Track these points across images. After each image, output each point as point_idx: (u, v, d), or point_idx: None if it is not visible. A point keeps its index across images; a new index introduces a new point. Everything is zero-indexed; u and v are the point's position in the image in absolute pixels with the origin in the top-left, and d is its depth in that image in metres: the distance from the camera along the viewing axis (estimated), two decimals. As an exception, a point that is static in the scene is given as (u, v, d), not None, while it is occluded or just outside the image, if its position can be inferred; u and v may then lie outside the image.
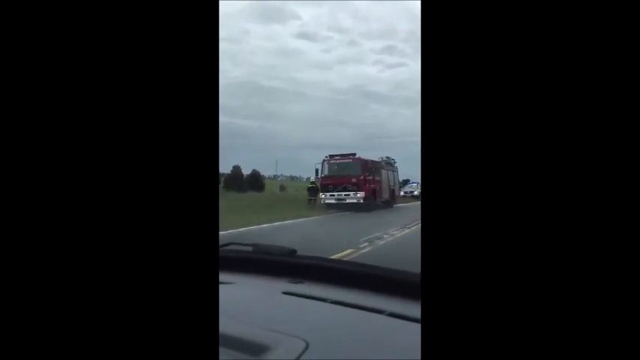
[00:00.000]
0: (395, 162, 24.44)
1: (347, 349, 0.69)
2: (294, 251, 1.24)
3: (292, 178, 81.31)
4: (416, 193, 32.21)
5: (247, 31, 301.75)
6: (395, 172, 23.70)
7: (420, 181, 31.89)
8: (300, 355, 0.63)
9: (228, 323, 0.70)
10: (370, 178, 18.91)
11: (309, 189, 19.61)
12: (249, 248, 1.31)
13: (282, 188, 48.70)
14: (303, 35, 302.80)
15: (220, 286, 0.89)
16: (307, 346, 0.66)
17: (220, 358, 0.61)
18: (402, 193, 32.24)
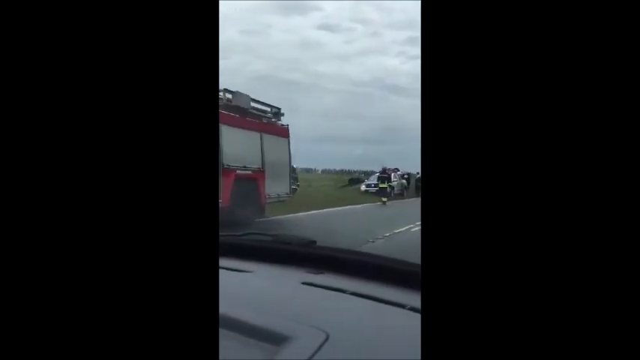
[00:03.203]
0: (276, 113, 10.32)
1: (368, 342, 0.67)
2: (313, 242, 1.21)
3: (307, 170, 79.29)
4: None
5: (269, 24, 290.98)
6: (275, 139, 9.94)
7: (399, 171, 20.46)
8: (321, 346, 0.62)
9: (247, 312, 0.71)
10: None
11: None
12: (269, 237, 1.30)
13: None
14: (325, 27, 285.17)
15: (240, 274, 1.00)
16: (327, 338, 0.64)
17: (239, 346, 0.62)
18: (363, 187, 20.82)
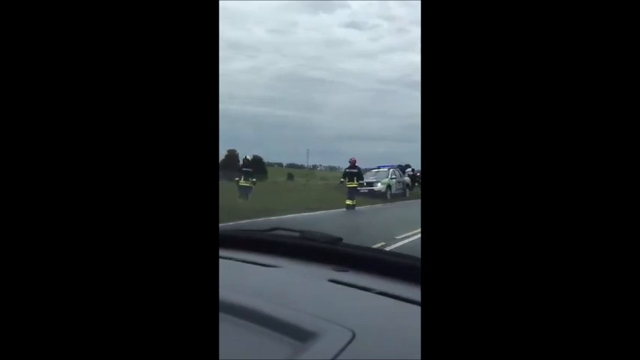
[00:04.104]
0: None
1: (394, 342, 0.66)
2: (339, 239, 1.19)
3: (331, 168, 76.80)
4: (379, 186, 17.57)
5: (295, 23, 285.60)
6: None
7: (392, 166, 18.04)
8: (347, 344, 0.61)
9: (275, 306, 0.70)
10: None
11: None
12: (296, 234, 1.28)
13: (290, 177, 37.72)
14: (352, 24, 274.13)
15: (268, 269, 1.02)
16: (354, 336, 0.63)
17: (266, 340, 0.62)
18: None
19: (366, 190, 17.05)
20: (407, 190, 19.42)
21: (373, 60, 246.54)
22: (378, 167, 19.85)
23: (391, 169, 19.02)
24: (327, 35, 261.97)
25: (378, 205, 15.15)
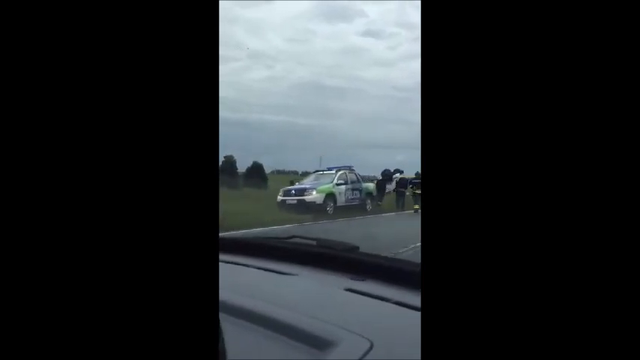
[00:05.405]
0: None
1: (413, 353, 0.65)
2: (356, 247, 1.20)
3: (347, 175, 74.34)
4: (313, 196, 12.48)
5: (313, 32, 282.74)
6: None
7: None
8: (365, 354, 0.61)
9: (292, 314, 0.71)
10: None
11: None
12: (313, 242, 1.29)
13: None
14: (369, 33, 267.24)
15: (284, 277, 1.03)
16: (372, 347, 0.63)
17: (284, 348, 0.61)
18: (280, 197, 13.74)
19: (294, 201, 12.22)
20: (368, 201, 14.09)
21: (392, 68, 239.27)
22: (327, 169, 14.74)
23: (340, 172, 13.74)
24: (345, 44, 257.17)
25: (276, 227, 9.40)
